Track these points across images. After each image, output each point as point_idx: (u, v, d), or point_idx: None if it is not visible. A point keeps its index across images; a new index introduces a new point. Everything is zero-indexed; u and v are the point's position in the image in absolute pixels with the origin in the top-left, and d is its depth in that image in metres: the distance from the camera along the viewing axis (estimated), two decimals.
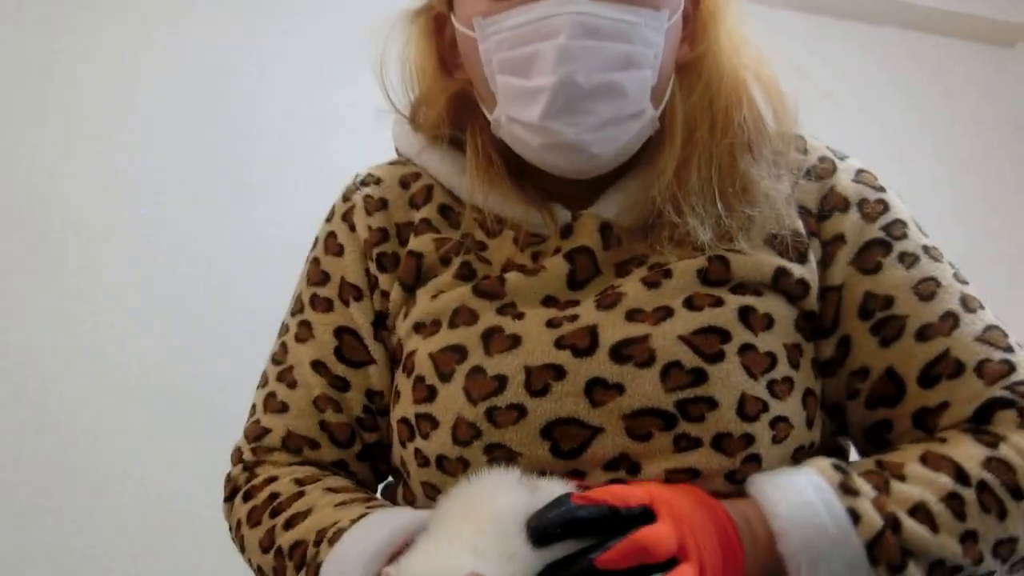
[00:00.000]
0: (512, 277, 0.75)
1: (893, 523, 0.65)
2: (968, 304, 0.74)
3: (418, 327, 0.77)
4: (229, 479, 0.82)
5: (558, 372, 0.70)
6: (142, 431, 1.65)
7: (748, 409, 0.68)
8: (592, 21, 0.70)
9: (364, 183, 0.85)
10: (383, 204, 0.83)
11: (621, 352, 0.69)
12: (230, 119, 1.84)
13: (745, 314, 0.71)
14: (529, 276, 0.75)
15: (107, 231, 1.73)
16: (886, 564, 0.64)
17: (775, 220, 0.75)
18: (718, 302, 0.71)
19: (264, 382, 0.83)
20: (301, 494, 0.74)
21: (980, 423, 0.71)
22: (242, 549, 0.78)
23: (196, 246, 1.77)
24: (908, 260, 0.75)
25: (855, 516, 0.64)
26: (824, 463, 0.68)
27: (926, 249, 0.76)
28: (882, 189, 0.79)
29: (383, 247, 0.81)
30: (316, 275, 0.83)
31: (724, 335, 0.70)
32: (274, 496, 0.75)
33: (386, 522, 0.67)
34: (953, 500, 0.66)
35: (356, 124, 1.80)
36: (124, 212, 1.74)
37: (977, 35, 2.53)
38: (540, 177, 0.79)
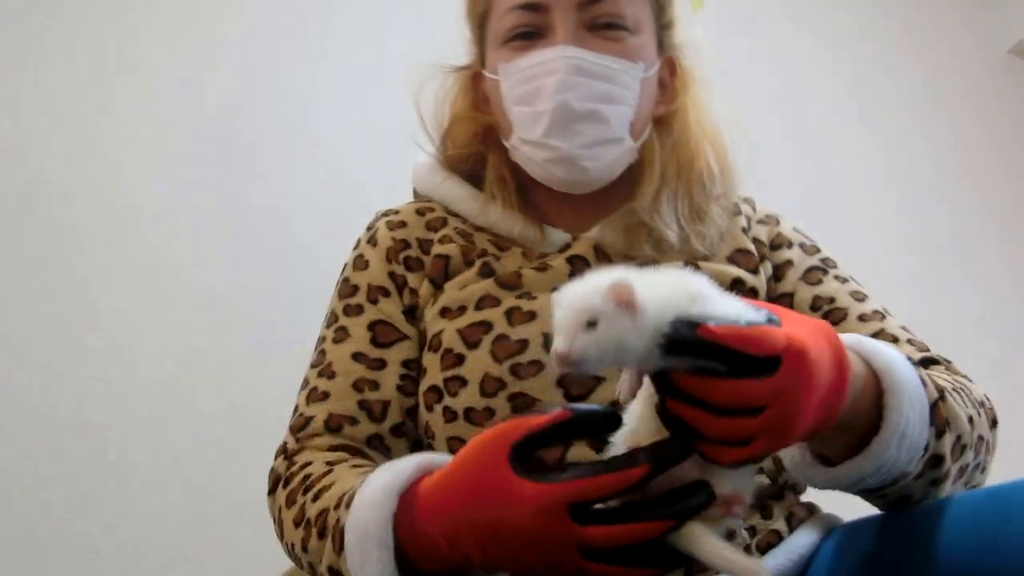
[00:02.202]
0: (526, 272, 0.93)
1: (942, 393, 0.75)
2: (886, 310, 0.96)
3: (444, 311, 0.92)
4: (272, 472, 0.89)
5: None
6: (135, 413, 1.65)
7: None
8: (583, 64, 0.92)
9: (384, 214, 1.03)
10: (403, 224, 1.00)
11: None
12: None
13: None
14: (540, 272, 0.92)
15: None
16: (936, 428, 0.72)
17: (728, 242, 0.97)
18: None
19: (304, 385, 0.94)
20: (330, 471, 0.81)
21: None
22: (281, 535, 0.84)
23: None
24: (840, 279, 0.98)
25: (923, 382, 0.73)
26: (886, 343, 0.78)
27: (850, 276, 1.00)
28: (810, 239, 1.04)
29: (407, 252, 0.98)
30: (347, 290, 0.98)
31: None
32: (307, 476, 0.82)
33: (409, 459, 0.73)
34: (956, 392, 0.78)
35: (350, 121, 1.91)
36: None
37: None
38: (544, 205, 1.00)
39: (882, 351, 0.72)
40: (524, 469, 0.61)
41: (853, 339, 0.73)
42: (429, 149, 1.06)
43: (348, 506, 0.72)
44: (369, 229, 1.02)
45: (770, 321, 0.61)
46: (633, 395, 0.66)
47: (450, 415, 0.87)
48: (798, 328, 0.62)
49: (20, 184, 1.68)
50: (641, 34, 0.97)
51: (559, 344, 0.59)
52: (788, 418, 0.60)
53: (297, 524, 0.79)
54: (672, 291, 0.61)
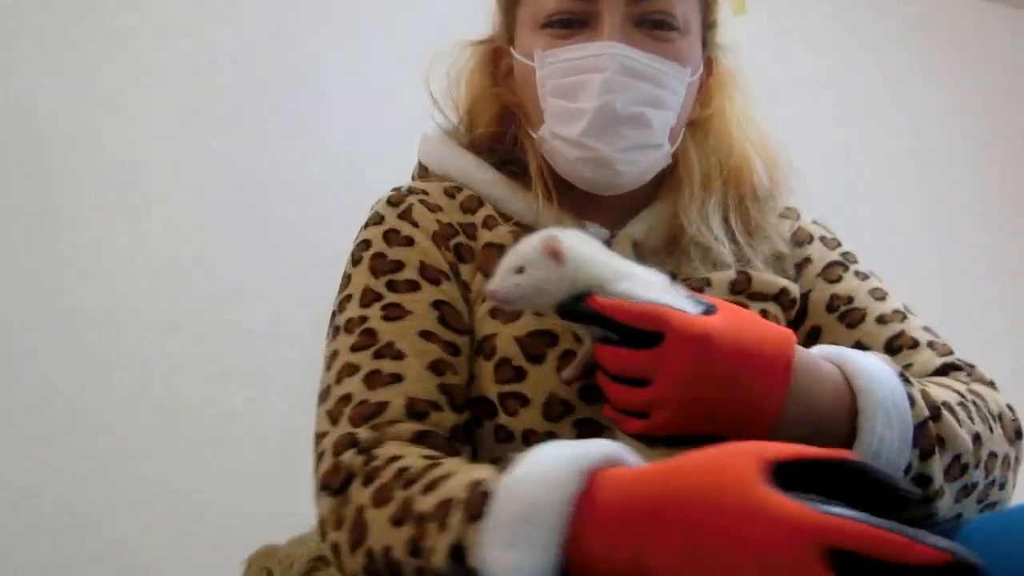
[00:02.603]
0: None
1: (936, 412, 0.73)
2: (910, 310, 0.92)
3: (495, 312, 0.83)
4: (338, 468, 0.73)
5: None
6: (204, 365, 1.73)
7: None
8: (633, 64, 0.86)
9: (411, 192, 0.91)
10: (439, 208, 0.90)
11: None
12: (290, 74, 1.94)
13: (763, 316, 0.85)
14: None
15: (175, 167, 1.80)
16: (920, 449, 0.71)
17: (772, 247, 0.94)
18: (742, 307, 0.83)
19: (353, 371, 0.79)
20: (436, 464, 0.69)
21: (944, 379, 0.83)
22: (358, 541, 0.69)
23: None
24: (861, 276, 0.94)
25: (911, 400, 0.72)
26: (883, 356, 0.77)
27: (871, 272, 0.96)
28: (831, 232, 1.00)
29: (457, 239, 0.88)
30: (386, 265, 0.85)
31: None
32: (404, 470, 0.69)
33: (594, 442, 0.62)
34: (963, 407, 0.76)
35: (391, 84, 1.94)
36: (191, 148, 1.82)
37: None
38: (568, 199, 0.92)
39: (865, 368, 0.72)
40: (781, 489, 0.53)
41: (837, 353, 0.75)
42: (443, 127, 0.99)
43: (494, 482, 0.61)
44: (396, 204, 0.89)
45: (707, 311, 0.69)
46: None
47: (504, 435, 0.79)
48: (724, 322, 0.68)
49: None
50: (690, 35, 0.90)
51: (491, 282, 0.73)
52: (679, 396, 0.66)
53: (399, 522, 0.65)
54: (602, 264, 0.72)
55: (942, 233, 2.40)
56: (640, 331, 0.67)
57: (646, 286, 0.71)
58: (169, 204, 1.78)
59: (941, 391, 0.77)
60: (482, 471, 0.64)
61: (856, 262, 0.96)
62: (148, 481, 1.65)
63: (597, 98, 0.85)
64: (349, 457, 0.73)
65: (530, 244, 0.72)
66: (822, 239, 0.97)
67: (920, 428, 0.72)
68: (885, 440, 0.70)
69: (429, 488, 0.65)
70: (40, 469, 1.60)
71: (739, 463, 0.54)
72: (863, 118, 2.43)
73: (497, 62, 0.97)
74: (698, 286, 0.86)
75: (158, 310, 1.73)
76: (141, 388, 1.69)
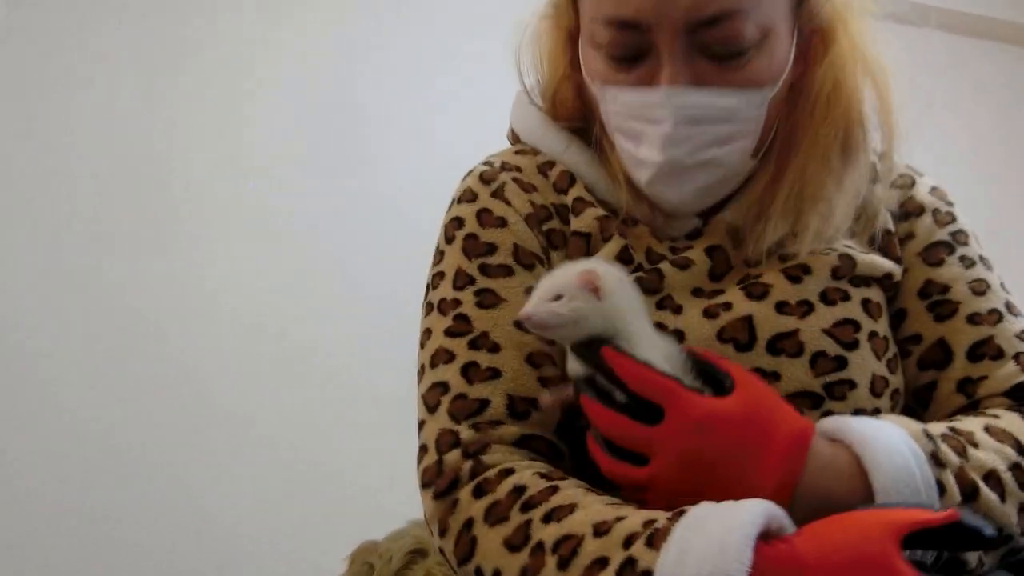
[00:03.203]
0: (666, 269, 0.82)
1: (973, 492, 0.69)
2: (1011, 308, 0.85)
3: None
4: (443, 469, 0.73)
5: None
6: (256, 383, 1.81)
7: (877, 387, 0.80)
8: (695, 112, 0.77)
9: (504, 168, 0.88)
10: (533, 187, 0.87)
11: (775, 346, 0.78)
12: (342, 103, 2.00)
13: (866, 305, 0.82)
14: (680, 270, 0.82)
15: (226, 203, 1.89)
16: None
17: (875, 222, 0.87)
18: (846, 295, 0.82)
19: (448, 357, 0.78)
20: (555, 488, 0.69)
21: (1015, 400, 0.80)
22: (467, 557, 0.69)
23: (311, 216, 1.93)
24: (967, 262, 0.86)
25: (941, 488, 0.68)
26: (916, 428, 0.72)
27: (982, 258, 0.88)
28: (951, 204, 0.91)
29: (550, 224, 0.85)
30: (479, 247, 0.83)
31: (856, 325, 0.81)
32: (520, 489, 0.69)
33: (751, 503, 0.61)
34: (1016, 470, 0.72)
35: (457, 109, 1.99)
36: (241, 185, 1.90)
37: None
38: None
39: (884, 467, 0.67)
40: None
41: (858, 440, 0.69)
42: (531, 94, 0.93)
43: (652, 544, 0.60)
44: (488, 182, 0.87)
45: (720, 391, 0.67)
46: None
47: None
48: (734, 407, 0.66)
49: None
50: (769, 40, 0.78)
51: (526, 306, 0.72)
52: (676, 476, 0.65)
53: (515, 548, 0.66)
54: (632, 313, 0.72)
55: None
56: (643, 400, 0.67)
57: (666, 354, 0.71)
58: None
59: (991, 455, 0.72)
60: (605, 509, 0.65)
61: (966, 244, 0.88)
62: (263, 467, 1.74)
63: (660, 153, 0.78)
64: (455, 459, 0.73)
65: (567, 274, 0.72)
66: (934, 212, 0.89)
67: None
68: None
69: (549, 518, 0.66)
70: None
71: (880, 539, 0.58)
72: None
73: (575, 45, 0.87)
74: (794, 274, 0.81)
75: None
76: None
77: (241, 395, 1.77)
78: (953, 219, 0.89)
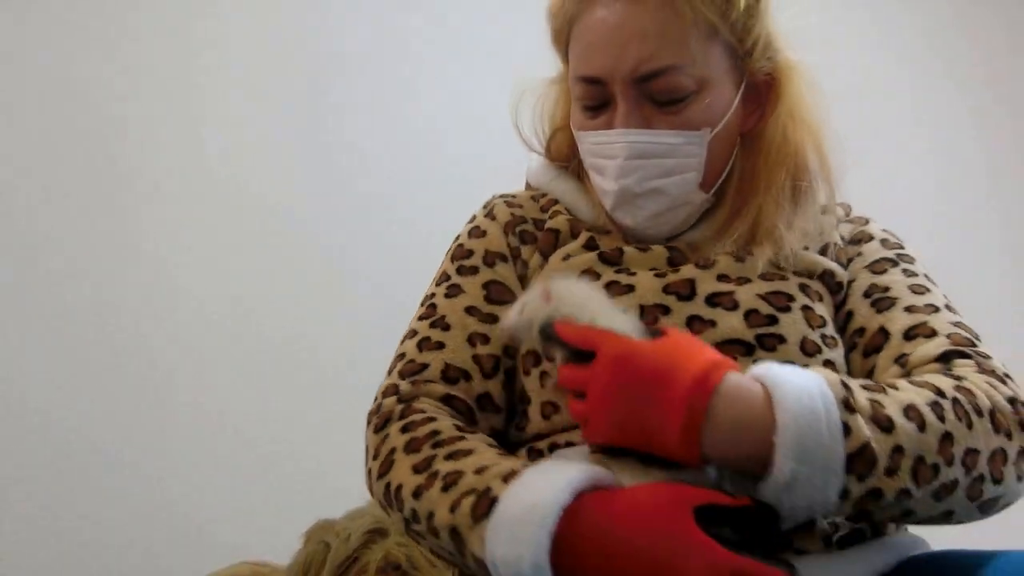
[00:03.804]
0: (628, 250, 0.98)
1: (888, 425, 0.75)
2: (950, 308, 0.93)
3: None
4: (380, 411, 0.91)
5: (665, 310, 0.92)
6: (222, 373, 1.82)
7: (807, 348, 0.90)
8: (641, 147, 0.93)
9: (502, 196, 1.09)
10: (519, 206, 1.06)
11: (713, 300, 0.92)
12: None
13: (804, 288, 0.94)
14: (641, 252, 0.97)
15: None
16: (856, 475, 0.74)
17: (825, 238, 0.98)
18: (783, 277, 0.94)
19: (411, 335, 0.98)
20: (462, 437, 0.85)
21: (943, 364, 0.86)
22: (383, 473, 0.86)
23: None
24: (908, 272, 0.97)
25: (847, 429, 0.74)
26: (834, 377, 0.78)
27: (927, 276, 0.97)
28: (898, 238, 1.02)
29: (524, 226, 1.03)
30: (461, 253, 1.03)
31: (790, 297, 0.93)
32: (436, 432, 0.86)
33: (583, 466, 0.77)
34: (935, 406, 0.78)
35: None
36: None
37: None
38: None
39: (790, 400, 0.74)
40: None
41: (772, 380, 0.76)
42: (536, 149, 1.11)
43: (507, 480, 0.76)
44: (486, 207, 1.08)
45: (653, 335, 0.79)
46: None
47: (545, 378, 0.92)
48: (655, 346, 0.77)
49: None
50: (709, 89, 0.93)
51: (503, 319, 0.88)
52: (603, 407, 0.77)
53: (418, 471, 0.82)
54: (582, 303, 0.83)
55: (952, 223, 2.44)
56: (584, 352, 0.79)
57: (610, 319, 0.81)
58: None
59: (910, 394, 0.79)
60: (495, 457, 0.81)
61: (911, 263, 0.98)
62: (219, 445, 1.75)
63: (615, 181, 0.95)
64: (390, 403, 0.91)
65: (533, 290, 0.86)
66: (883, 241, 1.01)
67: (857, 455, 0.74)
68: (799, 475, 0.73)
69: (451, 456, 0.82)
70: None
71: (677, 505, 0.71)
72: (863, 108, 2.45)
73: (568, 103, 1.05)
74: (739, 256, 0.95)
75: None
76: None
77: (204, 382, 1.78)
78: (901, 247, 1.01)
